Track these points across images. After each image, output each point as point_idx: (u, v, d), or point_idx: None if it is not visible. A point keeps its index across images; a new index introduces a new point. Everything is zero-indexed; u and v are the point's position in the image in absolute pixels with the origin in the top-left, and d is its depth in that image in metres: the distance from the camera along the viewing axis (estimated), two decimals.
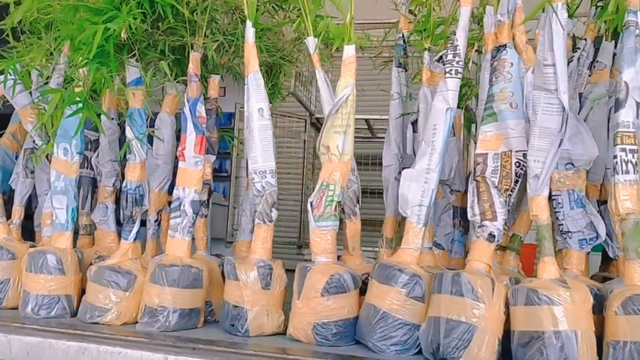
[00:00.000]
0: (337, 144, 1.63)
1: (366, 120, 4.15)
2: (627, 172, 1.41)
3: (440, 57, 1.92)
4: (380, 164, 4.45)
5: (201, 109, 1.76)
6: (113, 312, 1.70)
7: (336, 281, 1.56)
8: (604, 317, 1.38)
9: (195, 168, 1.73)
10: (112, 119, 2.08)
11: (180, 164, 1.76)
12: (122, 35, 1.53)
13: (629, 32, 1.47)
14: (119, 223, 2.03)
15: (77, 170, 1.88)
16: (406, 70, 2.11)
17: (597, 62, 1.84)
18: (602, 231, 1.59)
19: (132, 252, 1.81)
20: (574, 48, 1.87)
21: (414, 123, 2.00)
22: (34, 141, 2.14)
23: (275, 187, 1.70)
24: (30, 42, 2.44)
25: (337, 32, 1.72)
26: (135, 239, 1.81)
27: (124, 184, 1.82)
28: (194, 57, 1.77)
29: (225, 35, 1.88)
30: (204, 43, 1.75)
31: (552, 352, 1.32)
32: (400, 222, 2.04)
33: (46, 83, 2.21)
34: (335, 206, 1.62)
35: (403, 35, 2.11)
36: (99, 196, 2.09)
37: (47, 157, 2.10)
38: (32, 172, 2.26)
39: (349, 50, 1.66)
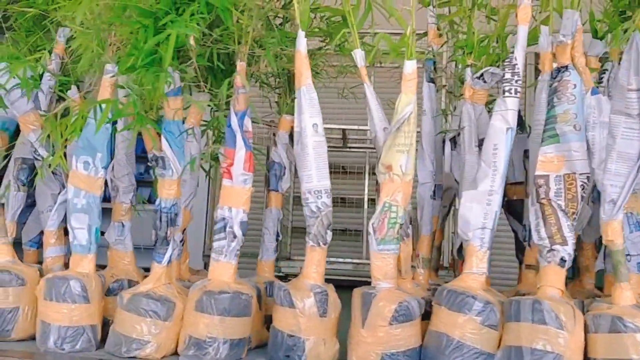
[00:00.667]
0: (401, 164, 1.56)
1: (343, 130, 4.09)
2: None
3: (482, 75, 1.89)
4: (354, 173, 4.40)
5: (248, 123, 1.63)
6: (152, 344, 1.55)
7: (404, 309, 1.49)
8: None
9: (243, 186, 1.60)
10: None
11: (225, 182, 1.62)
12: (191, 42, 1.39)
13: None
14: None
15: (102, 187, 1.70)
16: (436, 85, 2.07)
17: None
18: None
19: (166, 277, 1.65)
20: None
21: (452, 140, 1.96)
22: (35, 151, 1.93)
23: (330, 208, 1.60)
24: (14, 39, 2.23)
25: (393, 46, 1.65)
26: (169, 262, 1.66)
27: (157, 202, 1.66)
28: (241, 67, 1.64)
29: (260, 44, 1.76)
30: (252, 52, 1.63)
31: None
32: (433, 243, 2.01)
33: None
34: (398, 229, 1.55)
35: (432, 49, 2.07)
36: (113, 214, 1.91)
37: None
38: (25, 184, 2.04)
39: (410, 66, 1.59)
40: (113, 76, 1.66)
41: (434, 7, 2.09)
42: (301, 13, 1.62)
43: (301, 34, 1.62)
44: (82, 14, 1.62)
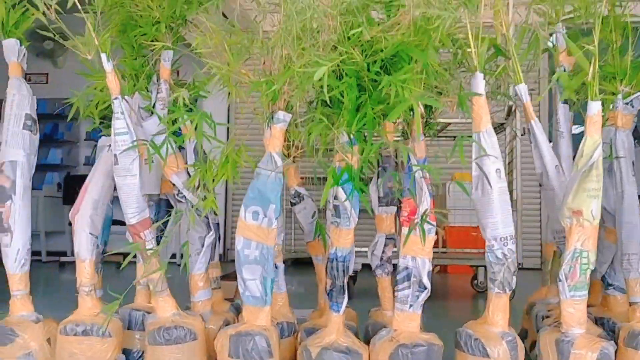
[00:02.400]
0: (591, 209, 1.54)
1: None
2: None
3: (631, 101, 1.87)
4: None
5: (426, 174, 1.60)
6: None
7: (605, 356, 1.50)
8: None
9: (428, 235, 1.58)
10: None
11: (406, 231, 1.60)
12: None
13: None
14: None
15: (276, 237, 1.67)
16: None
17: None
18: None
19: (343, 325, 1.64)
20: None
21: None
22: (178, 193, 1.88)
23: (515, 254, 1.59)
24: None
25: (568, 84, 1.62)
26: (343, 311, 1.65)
27: (332, 251, 1.64)
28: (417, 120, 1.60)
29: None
30: None
31: None
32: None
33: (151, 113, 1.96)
34: (589, 273, 1.55)
35: (565, 69, 2.04)
36: None
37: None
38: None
39: (595, 107, 1.57)
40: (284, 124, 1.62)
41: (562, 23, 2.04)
42: (479, 54, 1.57)
43: (479, 75, 1.58)
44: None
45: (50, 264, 6.69)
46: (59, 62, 8.31)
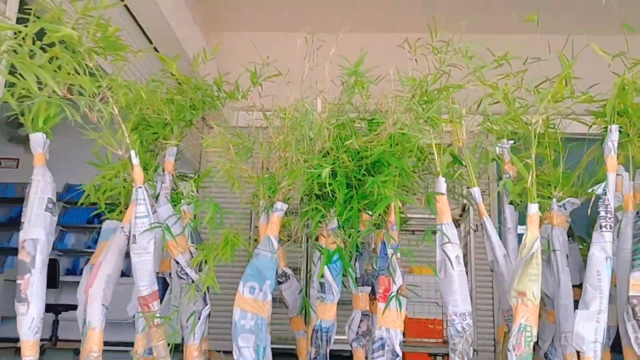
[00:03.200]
0: (533, 291, 1.89)
1: None
2: None
3: (564, 204, 2.28)
4: None
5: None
6: None
7: None
8: None
9: (400, 310, 1.88)
10: None
11: (382, 305, 1.90)
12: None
13: None
14: None
15: (270, 310, 1.93)
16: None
17: None
18: None
19: None
20: None
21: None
22: (181, 270, 2.14)
23: (472, 327, 1.90)
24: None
25: (513, 189, 2.02)
26: None
27: (317, 323, 1.91)
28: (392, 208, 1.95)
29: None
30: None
31: None
32: None
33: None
34: (531, 345, 1.87)
35: (509, 175, 2.45)
36: None
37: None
38: None
39: (533, 208, 1.95)
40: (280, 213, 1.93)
41: (508, 140, 2.49)
42: (441, 162, 1.96)
43: (441, 179, 1.96)
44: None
45: (5, 350, 6.53)
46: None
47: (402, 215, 2.62)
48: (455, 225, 4.15)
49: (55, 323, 6.63)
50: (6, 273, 7.39)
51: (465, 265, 4.24)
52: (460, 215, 4.03)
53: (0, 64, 1.89)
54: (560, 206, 2.28)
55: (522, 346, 1.86)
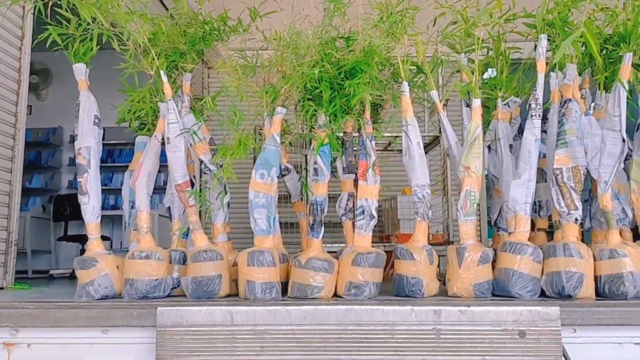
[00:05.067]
0: (476, 165, 2.47)
1: None
2: None
3: (507, 103, 2.83)
4: None
5: (373, 142, 2.50)
6: (325, 289, 2.38)
7: (485, 255, 2.40)
8: None
9: (375, 185, 2.47)
10: None
11: (362, 183, 2.49)
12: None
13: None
14: None
15: (277, 189, 2.52)
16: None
17: (596, 104, 2.87)
18: (630, 213, 2.60)
19: (321, 246, 2.50)
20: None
21: (489, 147, 2.89)
22: (205, 167, 2.71)
23: (430, 195, 2.50)
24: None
25: (462, 89, 2.57)
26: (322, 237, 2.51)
27: (313, 198, 2.50)
28: (367, 109, 2.50)
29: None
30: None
31: (629, 284, 2.27)
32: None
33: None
34: (476, 206, 2.47)
35: (465, 83, 2.99)
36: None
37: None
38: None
39: (476, 102, 2.51)
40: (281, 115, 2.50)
41: (465, 53, 3.01)
42: (404, 71, 2.51)
43: (405, 83, 2.51)
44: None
45: (37, 280, 7.24)
46: (42, 95, 9.01)
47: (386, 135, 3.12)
48: (434, 143, 4.73)
49: (82, 252, 7.33)
50: (30, 211, 8.05)
51: (444, 188, 4.89)
52: (440, 134, 4.60)
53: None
54: (504, 104, 2.83)
55: (468, 206, 2.46)
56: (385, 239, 5.93)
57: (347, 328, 2.11)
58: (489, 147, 2.90)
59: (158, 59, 2.87)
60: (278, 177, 2.55)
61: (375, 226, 2.51)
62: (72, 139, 8.76)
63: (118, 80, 2.93)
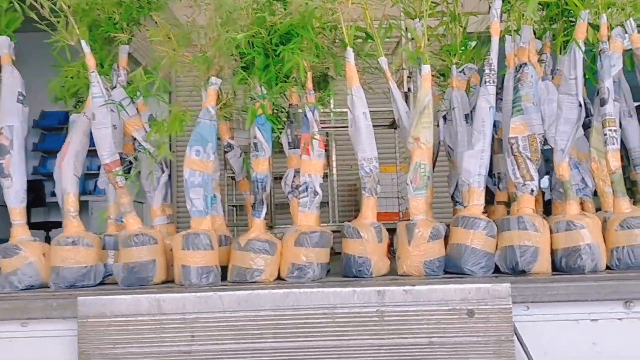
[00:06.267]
0: (426, 136, 2.31)
1: None
2: (613, 143, 2.28)
3: (463, 69, 2.67)
4: None
5: (317, 114, 2.33)
6: (266, 272, 2.23)
7: (436, 230, 2.26)
8: (607, 233, 2.23)
9: (319, 159, 2.31)
10: None
11: (305, 157, 2.32)
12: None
13: (605, 56, 2.33)
14: None
15: (213, 167, 2.34)
16: None
17: (557, 69, 2.72)
18: (590, 183, 2.47)
19: (264, 227, 2.33)
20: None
21: (444, 117, 2.74)
22: (139, 145, 2.52)
23: (378, 169, 2.34)
24: None
25: (411, 55, 2.40)
26: (265, 217, 2.34)
27: (254, 175, 2.33)
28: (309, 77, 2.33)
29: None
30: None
31: (586, 257, 2.14)
32: None
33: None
34: (426, 179, 2.31)
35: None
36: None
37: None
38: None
39: (425, 69, 2.34)
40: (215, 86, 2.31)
41: (419, 19, 2.84)
42: (349, 36, 2.33)
43: (349, 49, 2.33)
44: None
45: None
46: None
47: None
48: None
49: (47, 239, 7.10)
50: None
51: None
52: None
53: None
54: (460, 72, 2.67)
55: (418, 180, 2.31)
56: None
57: (285, 313, 1.95)
58: (444, 117, 2.75)
59: (91, 30, 2.67)
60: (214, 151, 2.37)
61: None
62: (35, 123, 8.51)
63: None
